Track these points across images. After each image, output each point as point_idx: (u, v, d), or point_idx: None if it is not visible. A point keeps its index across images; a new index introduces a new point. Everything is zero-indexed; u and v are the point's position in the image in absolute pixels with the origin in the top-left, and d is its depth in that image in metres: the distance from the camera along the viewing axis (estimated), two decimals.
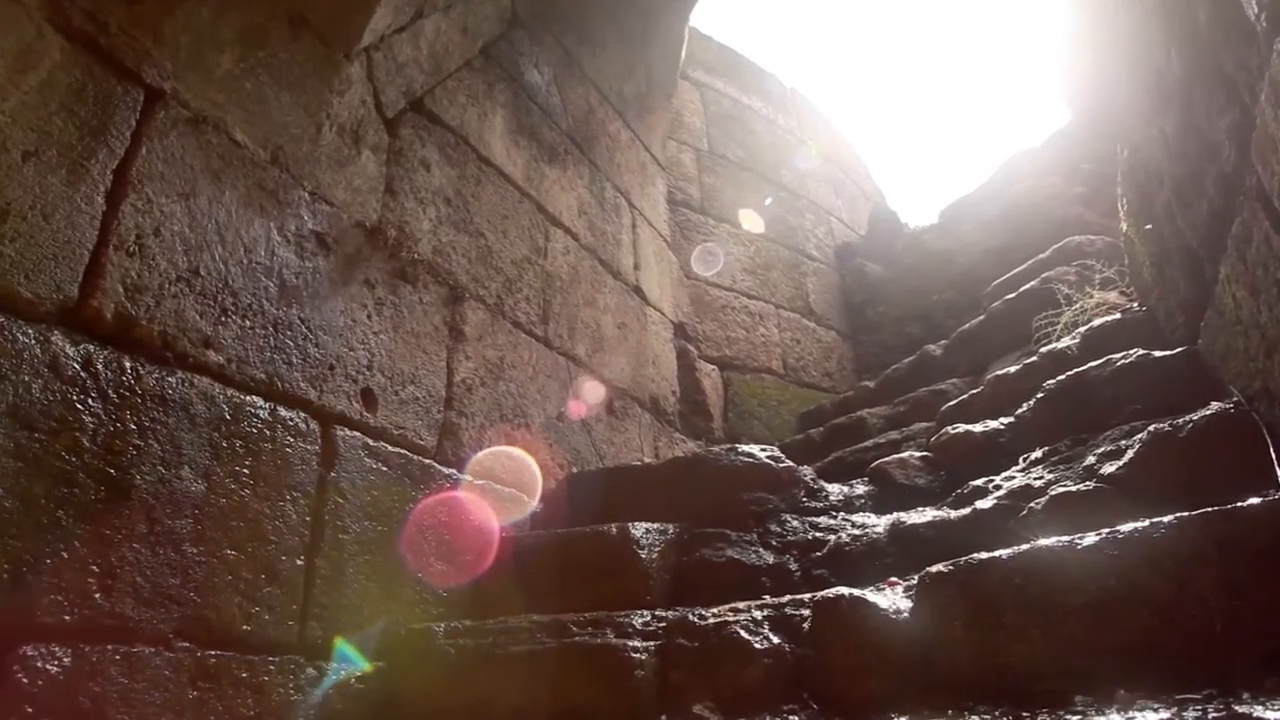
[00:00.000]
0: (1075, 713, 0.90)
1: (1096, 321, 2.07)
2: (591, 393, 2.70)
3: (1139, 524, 1.08)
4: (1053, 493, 1.44)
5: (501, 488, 2.14)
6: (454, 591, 1.86)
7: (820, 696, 1.30)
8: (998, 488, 1.69)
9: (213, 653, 1.35)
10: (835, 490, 2.16)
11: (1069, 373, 1.85)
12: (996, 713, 0.98)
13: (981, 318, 3.13)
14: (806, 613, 1.48)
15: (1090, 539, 1.11)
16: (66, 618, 1.16)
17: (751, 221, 4.52)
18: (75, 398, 1.24)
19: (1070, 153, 4.67)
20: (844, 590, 1.31)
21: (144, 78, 1.48)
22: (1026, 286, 2.93)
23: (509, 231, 2.52)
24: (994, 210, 4.52)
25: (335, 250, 1.83)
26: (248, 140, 1.68)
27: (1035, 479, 1.60)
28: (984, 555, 1.20)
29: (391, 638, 1.67)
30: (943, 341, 3.35)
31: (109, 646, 1.20)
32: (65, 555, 1.17)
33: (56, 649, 1.13)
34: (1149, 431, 1.40)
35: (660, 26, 3.72)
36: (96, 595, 1.20)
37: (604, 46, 3.49)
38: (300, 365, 1.66)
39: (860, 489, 2.18)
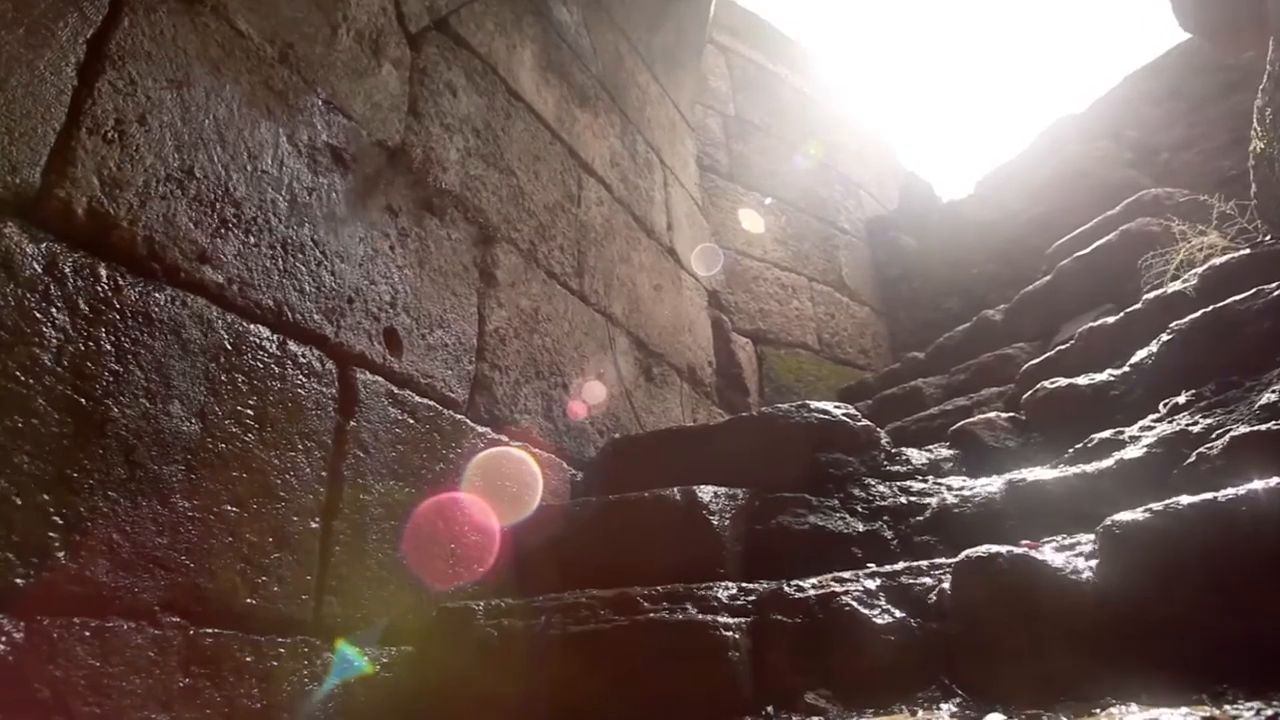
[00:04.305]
0: None
1: (1217, 260, 1.82)
2: (630, 355, 2.44)
3: None
4: (1232, 433, 1.19)
5: (540, 452, 1.88)
6: (491, 565, 1.60)
7: (965, 680, 1.05)
8: (1136, 438, 1.43)
9: (209, 631, 1.08)
10: (916, 454, 1.90)
11: (1204, 310, 1.60)
12: (1275, 701, 0.72)
13: (1048, 278, 2.87)
14: (929, 581, 1.23)
15: None
16: (19, 581, 0.90)
17: (780, 192, 4.27)
18: (34, 305, 0.98)
19: (1116, 118, 4.43)
20: (998, 548, 1.06)
21: None
22: (1101, 242, 2.68)
23: (540, 173, 2.27)
24: (1039, 177, 4.27)
25: (353, 169, 1.58)
26: (252, 31, 1.42)
27: (1190, 424, 1.35)
28: (1190, 499, 0.94)
29: (423, 618, 1.41)
30: (1002, 306, 3.10)
31: (75, 620, 0.94)
32: (18, 501, 0.91)
33: (4, 622, 0.87)
34: None
35: None
36: (59, 554, 0.94)
37: None
38: (313, 295, 1.40)
39: (944, 452, 1.92)
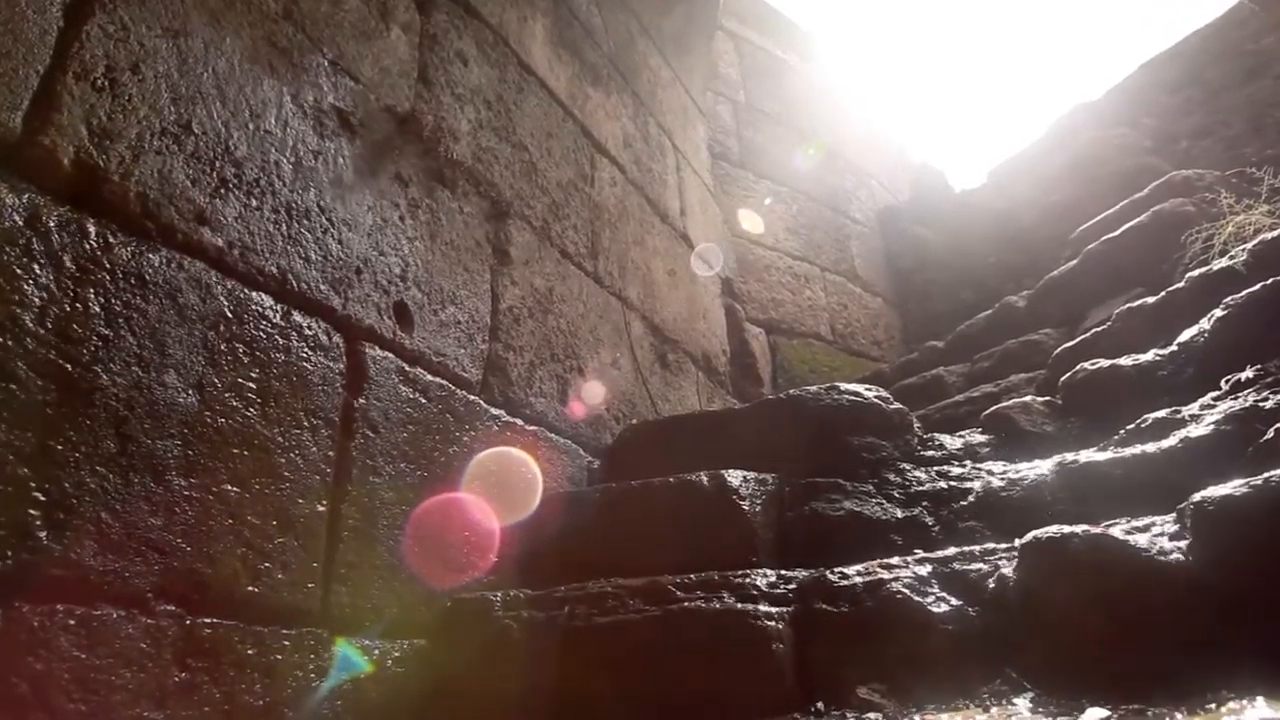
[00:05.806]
0: None
1: (1269, 235, 1.73)
2: (645, 341, 2.35)
3: None
4: None
5: (556, 437, 1.79)
6: (506, 554, 1.51)
7: (1034, 672, 0.96)
8: (1198, 417, 1.34)
9: (207, 621, 0.99)
10: (950, 440, 1.81)
11: (1263, 283, 1.51)
12: None
13: (1074, 263, 2.79)
14: (984, 567, 1.14)
15: None
16: None
17: (792, 181, 4.18)
18: (14, 260, 0.89)
19: (1131, 106, 4.36)
20: (1070, 528, 0.97)
21: None
22: (1131, 224, 2.59)
23: (553, 150, 2.18)
24: (1055, 164, 4.19)
25: (361, 134, 1.48)
26: None
27: (1260, 400, 1.26)
28: None
29: (435, 609, 1.32)
30: (1025, 293, 3.01)
31: (59, 607, 0.85)
32: None
33: None
34: None
35: None
36: (41, 534, 0.85)
37: None
38: (319, 263, 1.31)
39: (978, 438, 1.83)
